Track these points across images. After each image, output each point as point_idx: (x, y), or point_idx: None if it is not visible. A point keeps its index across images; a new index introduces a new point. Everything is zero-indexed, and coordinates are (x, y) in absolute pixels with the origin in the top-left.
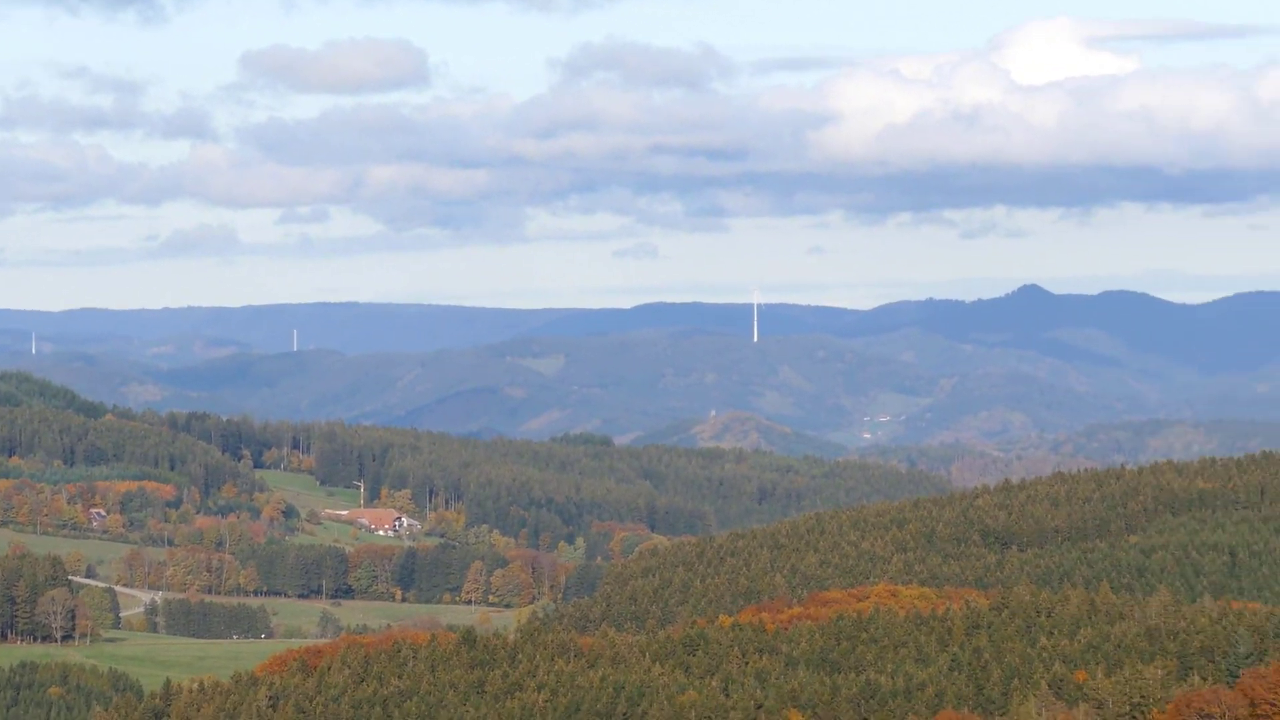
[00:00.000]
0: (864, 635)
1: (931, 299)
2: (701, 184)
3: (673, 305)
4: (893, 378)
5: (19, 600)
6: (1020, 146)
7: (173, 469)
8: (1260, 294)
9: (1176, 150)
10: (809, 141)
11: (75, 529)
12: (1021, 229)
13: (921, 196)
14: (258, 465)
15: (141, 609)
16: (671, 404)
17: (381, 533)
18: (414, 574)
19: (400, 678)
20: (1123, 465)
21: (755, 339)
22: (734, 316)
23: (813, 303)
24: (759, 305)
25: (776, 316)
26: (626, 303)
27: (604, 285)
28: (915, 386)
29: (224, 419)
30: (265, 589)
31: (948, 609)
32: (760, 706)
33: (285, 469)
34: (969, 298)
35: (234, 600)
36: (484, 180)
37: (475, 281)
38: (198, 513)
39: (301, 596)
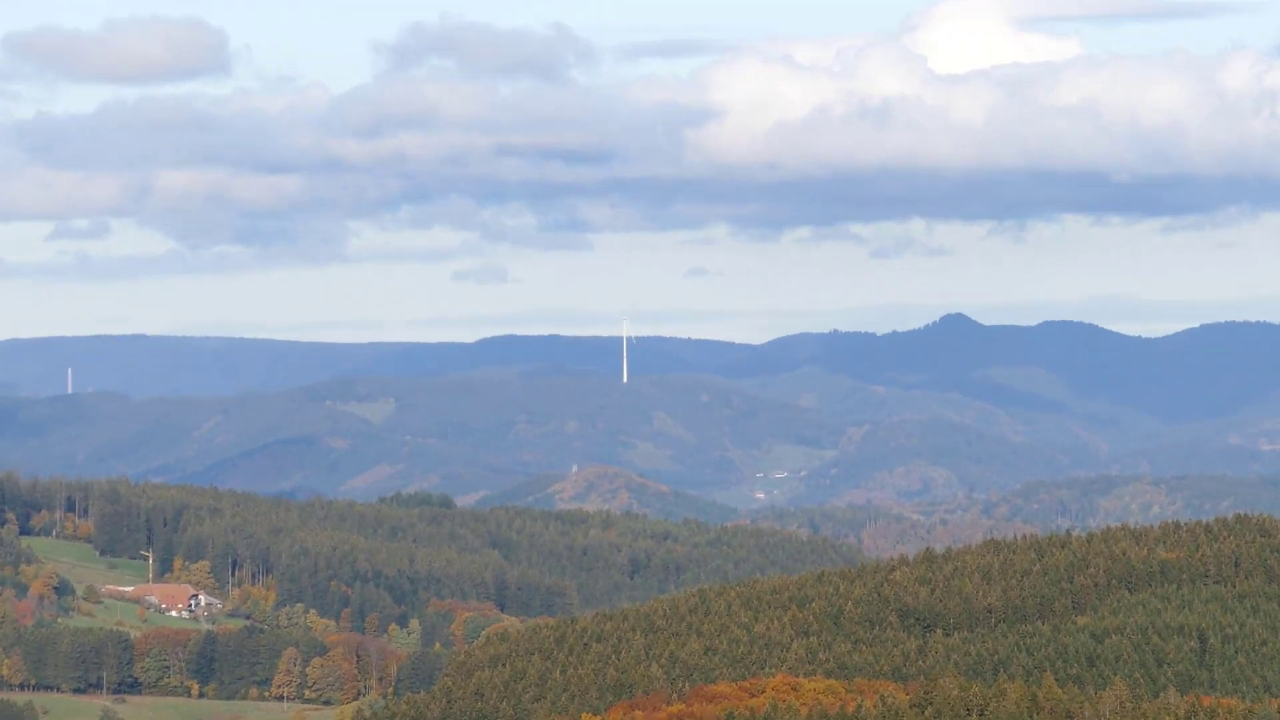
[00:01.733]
0: None
1: (836, 331)
2: (558, 192)
3: (525, 338)
4: (791, 426)
5: None
6: (941, 148)
7: None
8: (1230, 324)
9: (1126, 152)
10: (687, 141)
11: None
12: (944, 246)
13: (823, 207)
14: (24, 532)
15: None
16: (525, 458)
17: (174, 613)
18: (214, 664)
19: None
20: (1069, 531)
21: (625, 379)
22: (599, 352)
23: (694, 335)
24: (629, 339)
25: (651, 352)
26: (469, 336)
27: (442, 315)
28: (818, 436)
29: None
30: (34, 682)
31: (859, 705)
32: None
33: (58, 536)
34: (881, 329)
35: None
36: (296, 188)
37: (287, 311)
38: None
39: (78, 691)
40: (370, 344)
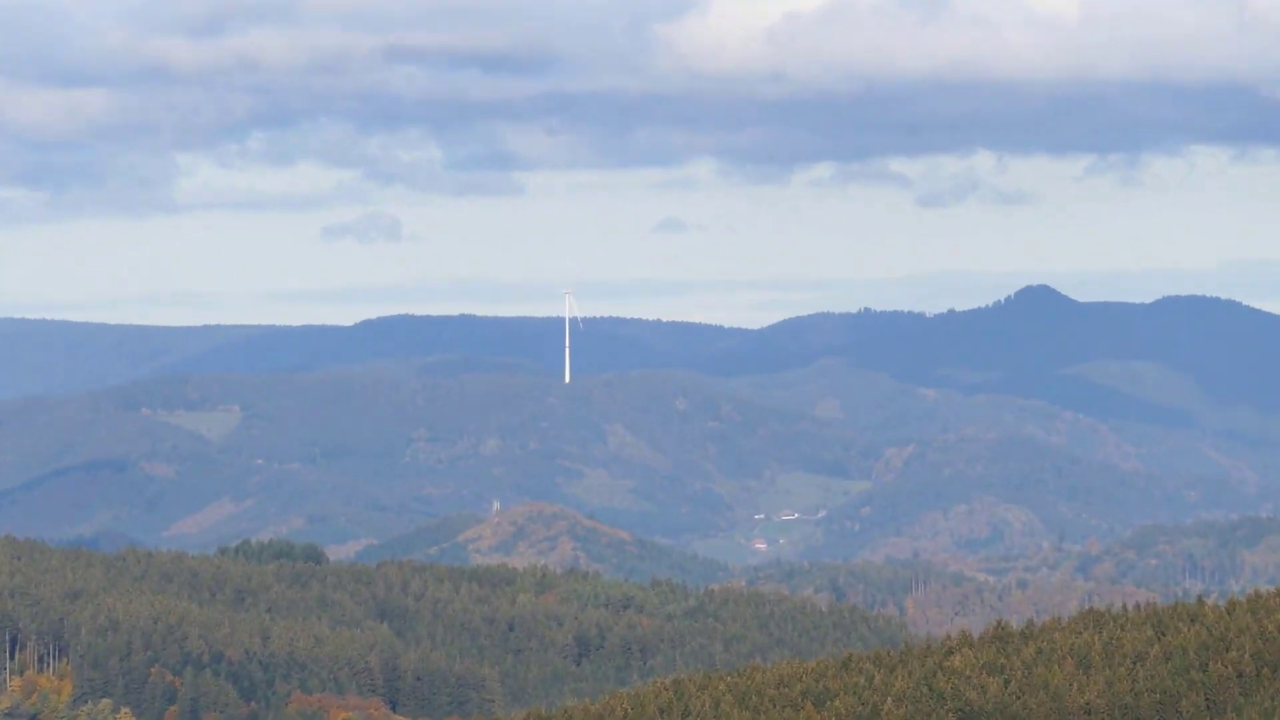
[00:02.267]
0: None
1: (868, 310)
2: (475, 114)
3: (426, 320)
4: (804, 446)
5: None
6: (1019, 50)
7: None
8: None
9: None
10: (656, 42)
11: None
12: (1021, 191)
13: (850, 136)
14: None
15: None
16: (425, 491)
17: None
18: None
19: None
20: (1201, 597)
21: (567, 378)
22: (531, 340)
23: (666, 316)
24: (574, 321)
25: (605, 339)
26: (346, 317)
27: (308, 287)
28: (843, 461)
29: None
30: None
31: None
32: None
33: None
34: (933, 308)
35: None
36: (100, 107)
37: (88, 281)
38: None
39: None
40: (206, 328)
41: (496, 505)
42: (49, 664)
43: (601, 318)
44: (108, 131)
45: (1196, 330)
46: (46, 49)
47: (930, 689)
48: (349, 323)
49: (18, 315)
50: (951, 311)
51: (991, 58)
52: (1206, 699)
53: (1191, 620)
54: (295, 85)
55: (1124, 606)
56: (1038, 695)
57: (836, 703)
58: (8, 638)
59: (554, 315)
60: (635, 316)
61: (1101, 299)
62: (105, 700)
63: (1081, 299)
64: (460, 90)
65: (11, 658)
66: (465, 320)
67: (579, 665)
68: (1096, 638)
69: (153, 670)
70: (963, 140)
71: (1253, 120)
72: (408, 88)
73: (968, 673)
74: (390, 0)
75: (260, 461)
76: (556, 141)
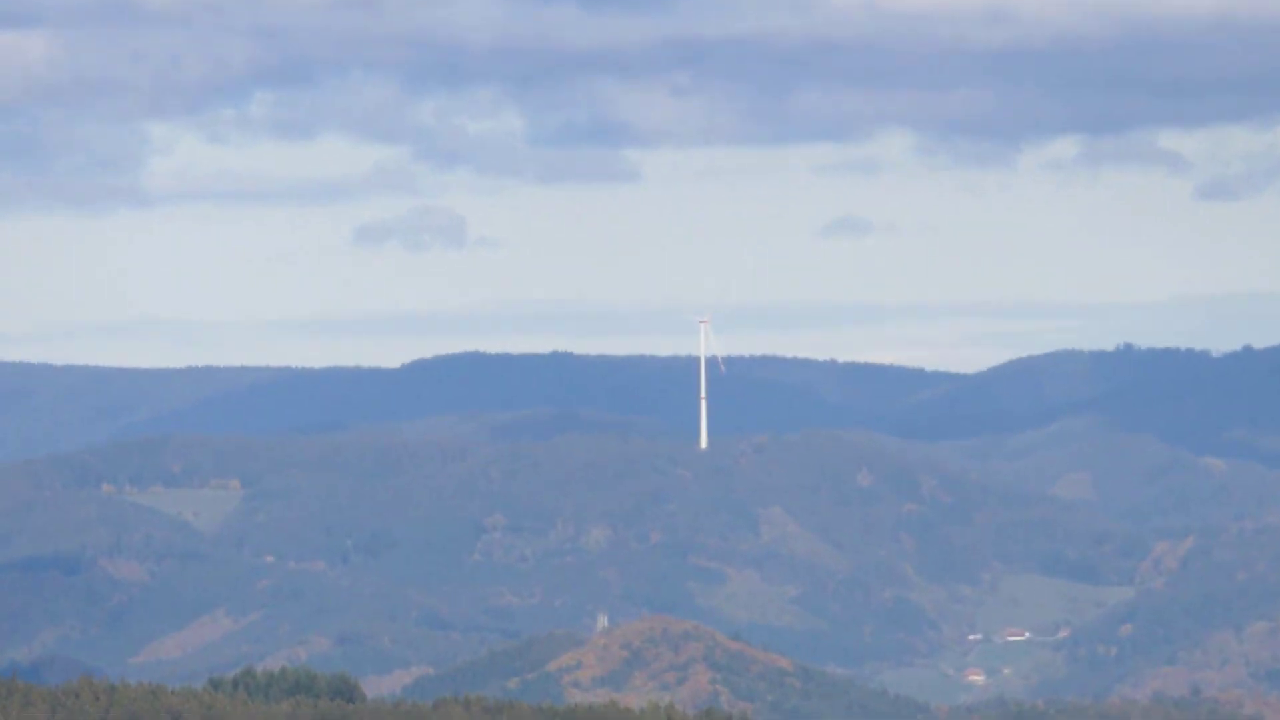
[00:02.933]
0: None
1: (1128, 346)
2: (571, 68)
3: (502, 359)
4: (1039, 538)
5: None
6: None
7: None
8: None
9: None
10: None
11: None
12: None
13: (1102, 101)
14: None
15: None
16: (502, 599)
17: None
18: None
19: None
20: None
21: (704, 442)
22: (653, 387)
23: (842, 355)
24: (713, 361)
25: (755, 386)
26: (390, 355)
27: (336, 312)
28: (1093, 560)
29: None
30: None
31: None
32: None
33: None
34: (1221, 344)
35: None
36: (40, 57)
37: (33, 304)
38: None
39: None
40: (192, 370)
41: (603, 620)
42: None
43: (751, 357)
44: (52, 92)
45: None
46: None
47: None
48: (394, 364)
49: None
50: (1248, 349)
51: None
52: None
53: None
54: (315, 27)
55: None
56: None
57: None
58: None
59: (684, 354)
60: (799, 356)
61: None
62: None
63: None
64: (550, 34)
65: None
66: (559, 360)
67: None
68: None
69: None
70: (1262, 105)
71: None
72: (475, 30)
73: None
74: None
75: (270, 559)
76: (685, 107)
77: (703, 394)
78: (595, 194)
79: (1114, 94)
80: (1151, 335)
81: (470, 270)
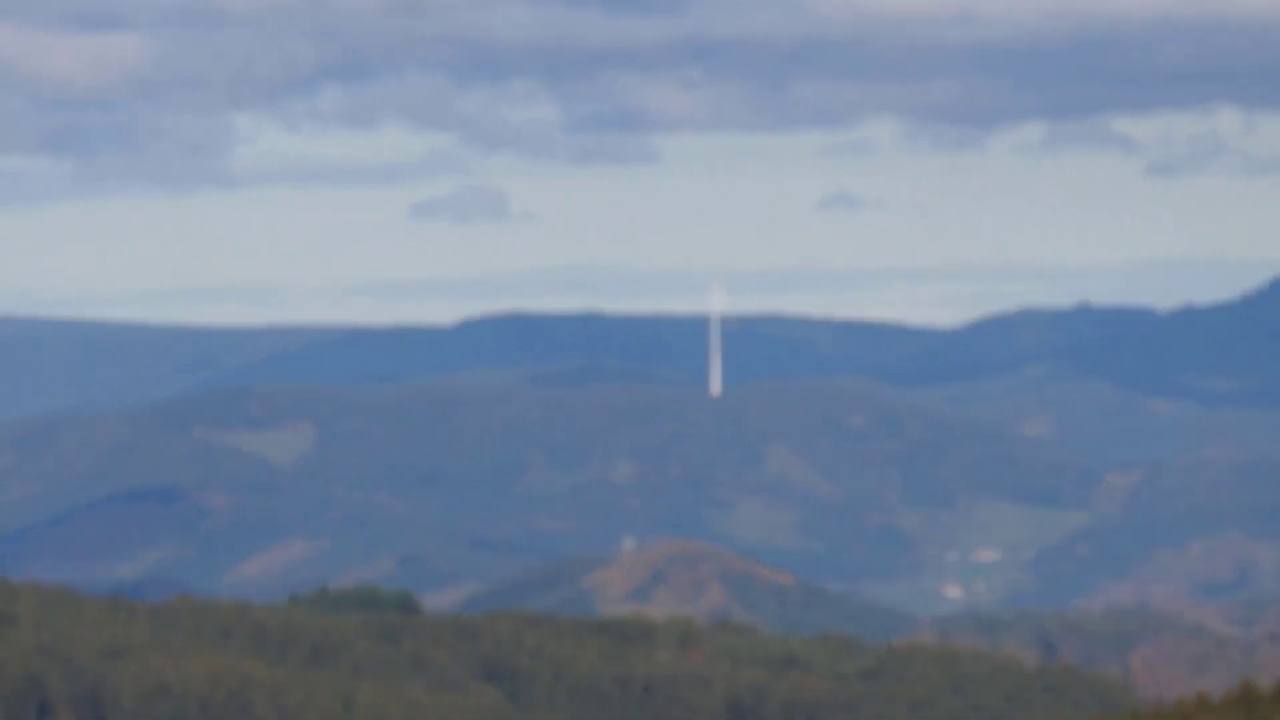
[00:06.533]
0: None
1: (1086, 305)
2: (600, 63)
3: (541, 318)
4: (1008, 470)
5: None
6: None
7: None
8: None
9: None
10: None
11: None
12: (1277, 156)
13: (1061, 88)
14: None
15: None
16: (541, 525)
17: None
18: None
19: None
20: None
21: (716, 390)
22: (671, 342)
23: (835, 313)
24: (723, 320)
25: (761, 340)
26: (443, 315)
27: (395, 277)
28: (1055, 489)
29: None
30: None
31: None
32: None
33: None
34: (1166, 303)
35: None
36: (136, 56)
37: (122, 272)
38: None
39: None
40: (270, 329)
41: (629, 543)
42: None
43: (757, 315)
44: (146, 87)
45: None
46: None
47: None
48: (446, 322)
49: (41, 315)
50: (1189, 307)
51: None
52: None
53: None
54: (374, 28)
55: None
56: None
57: None
58: (35, 705)
59: (699, 312)
60: (799, 313)
61: None
62: None
63: None
64: (577, 34)
65: None
66: (589, 319)
67: None
68: None
69: None
70: (1203, 94)
71: None
72: (513, 31)
73: None
74: None
75: (339, 491)
76: (698, 97)
77: (715, 348)
78: (620, 173)
79: (1074, 85)
80: (1106, 295)
81: (512, 240)
